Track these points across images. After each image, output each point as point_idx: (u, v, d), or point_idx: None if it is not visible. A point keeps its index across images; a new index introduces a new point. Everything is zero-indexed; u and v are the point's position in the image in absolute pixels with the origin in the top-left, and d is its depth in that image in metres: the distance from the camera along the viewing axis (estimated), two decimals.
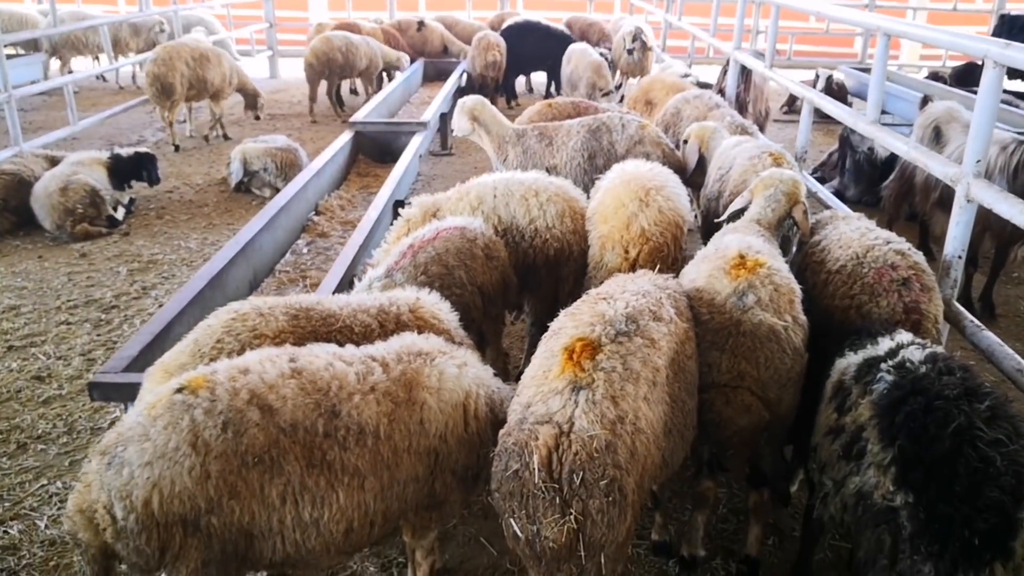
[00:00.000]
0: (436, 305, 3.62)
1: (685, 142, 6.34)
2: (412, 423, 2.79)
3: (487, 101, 6.58)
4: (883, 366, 2.91)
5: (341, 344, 3.02)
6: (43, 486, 4.23)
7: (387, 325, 3.42)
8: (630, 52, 11.95)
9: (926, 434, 2.56)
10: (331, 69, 12.86)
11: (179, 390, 2.57)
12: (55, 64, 15.21)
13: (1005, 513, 2.36)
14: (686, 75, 9.67)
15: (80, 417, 4.84)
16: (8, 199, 7.85)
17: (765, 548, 3.85)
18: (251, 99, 12.25)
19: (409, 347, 2.98)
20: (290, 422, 2.59)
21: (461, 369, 3.00)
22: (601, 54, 12.79)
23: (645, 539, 3.87)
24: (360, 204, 8.68)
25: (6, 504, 4.09)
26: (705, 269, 3.57)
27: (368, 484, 2.69)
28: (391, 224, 5.02)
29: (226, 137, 11.72)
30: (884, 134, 5.30)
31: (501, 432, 2.69)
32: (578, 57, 11.65)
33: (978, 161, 4.09)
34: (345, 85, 14.32)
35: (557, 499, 2.47)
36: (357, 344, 3.07)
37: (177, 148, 11.08)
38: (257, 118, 12.50)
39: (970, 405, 2.59)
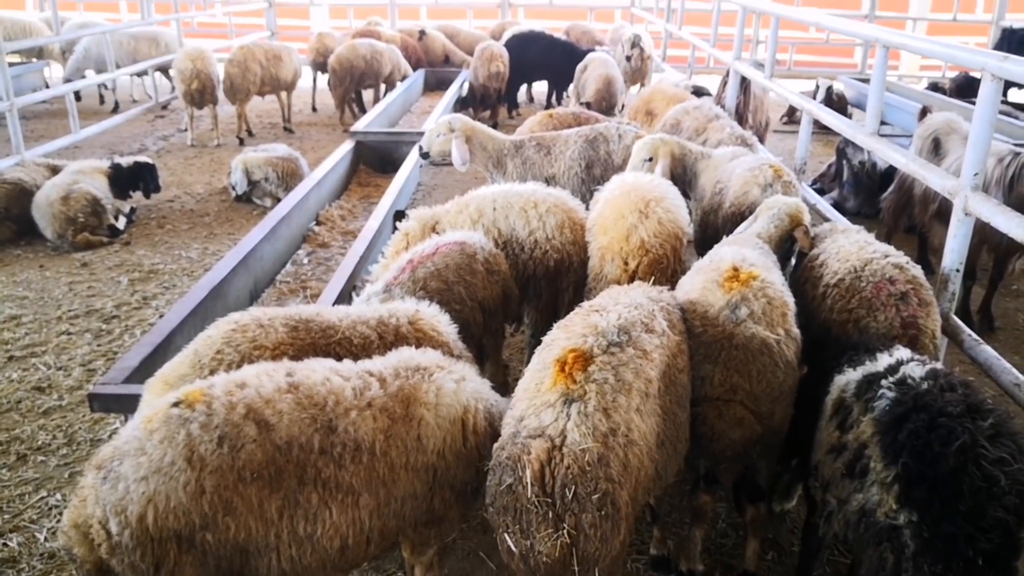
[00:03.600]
0: (435, 317, 3.60)
1: (649, 159, 5.48)
2: (409, 439, 2.78)
3: (468, 119, 6.51)
4: (884, 382, 2.90)
5: (340, 356, 3.01)
6: (43, 498, 4.22)
7: (386, 337, 3.41)
8: (628, 59, 11.96)
9: (930, 452, 2.55)
10: (353, 76, 12.97)
11: (175, 404, 2.56)
12: (57, 71, 15.14)
13: (1009, 532, 2.36)
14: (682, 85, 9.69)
15: (80, 428, 4.83)
16: (9, 208, 7.85)
17: (764, 563, 3.83)
18: None
19: (407, 362, 2.97)
20: (286, 438, 2.58)
21: (459, 384, 2.98)
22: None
23: (644, 554, 3.85)
24: (361, 214, 8.69)
25: (6, 516, 4.08)
26: (699, 281, 3.56)
27: (363, 501, 2.67)
28: (391, 235, 5.02)
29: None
30: (883, 146, 5.30)
31: (495, 446, 2.68)
32: (594, 67, 11.47)
33: (976, 174, 4.09)
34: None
35: (550, 513, 2.46)
36: (356, 356, 3.06)
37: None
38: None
39: (973, 423, 2.58)
